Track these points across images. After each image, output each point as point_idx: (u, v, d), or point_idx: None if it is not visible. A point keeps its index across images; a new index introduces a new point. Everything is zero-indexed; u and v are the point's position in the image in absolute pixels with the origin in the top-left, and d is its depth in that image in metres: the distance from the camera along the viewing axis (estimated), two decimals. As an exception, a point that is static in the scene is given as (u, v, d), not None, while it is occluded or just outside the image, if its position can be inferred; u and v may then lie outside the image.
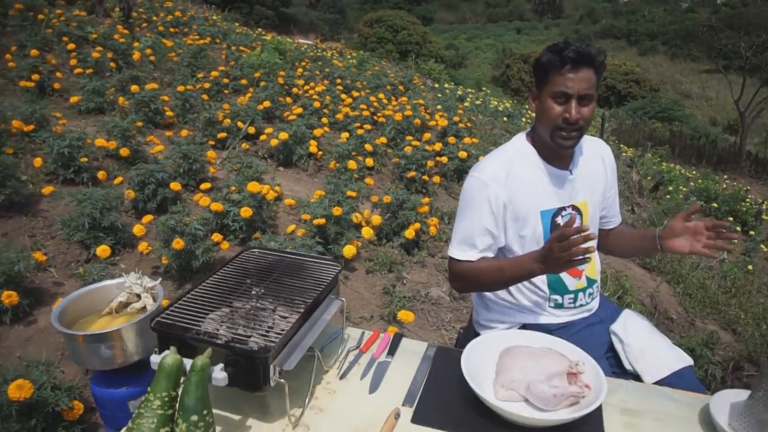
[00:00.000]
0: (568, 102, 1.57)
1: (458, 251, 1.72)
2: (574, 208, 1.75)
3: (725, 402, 1.40)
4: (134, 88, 5.39)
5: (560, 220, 1.72)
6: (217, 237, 3.34)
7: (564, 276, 1.75)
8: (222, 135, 5.19)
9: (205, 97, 6.05)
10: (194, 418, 1.08)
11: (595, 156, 1.83)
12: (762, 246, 9.43)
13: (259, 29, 14.27)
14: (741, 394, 1.37)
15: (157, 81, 6.18)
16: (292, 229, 3.69)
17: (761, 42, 16.14)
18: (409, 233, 3.79)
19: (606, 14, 50.33)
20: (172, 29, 8.81)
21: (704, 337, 4.55)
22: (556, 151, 1.69)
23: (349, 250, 3.46)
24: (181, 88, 5.71)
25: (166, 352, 1.14)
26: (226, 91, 6.66)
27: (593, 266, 1.82)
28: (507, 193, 1.66)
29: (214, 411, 1.31)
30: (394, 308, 3.16)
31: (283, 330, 1.24)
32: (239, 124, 5.36)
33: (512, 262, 1.66)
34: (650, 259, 5.49)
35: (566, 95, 1.57)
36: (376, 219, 3.85)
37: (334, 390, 1.43)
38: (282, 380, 1.22)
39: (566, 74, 1.55)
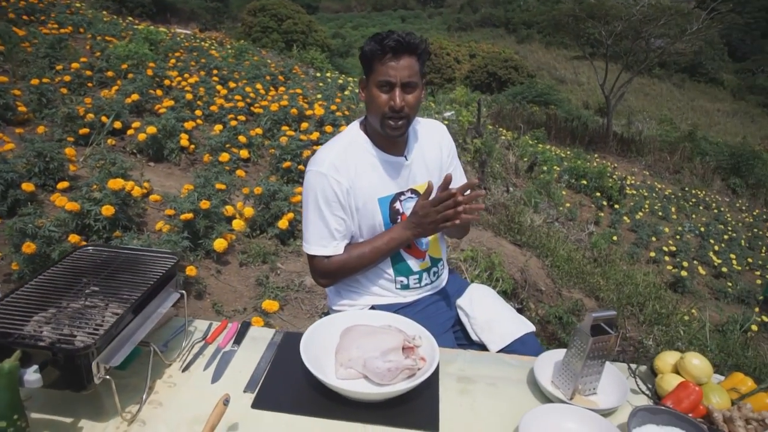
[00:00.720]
0: (393, 90, 1.61)
1: (320, 248, 1.72)
2: (413, 191, 1.80)
3: (549, 362, 1.54)
4: (-21, 81, 4.94)
5: (398, 206, 1.77)
6: (74, 238, 3.15)
7: (408, 258, 1.81)
8: (84, 131, 4.89)
9: (64, 90, 5.65)
10: (2, 424, 1.03)
11: (432, 139, 1.88)
12: (625, 218, 10.32)
13: (130, 18, 13.46)
14: (560, 353, 1.51)
15: (7, 74, 5.70)
16: (161, 225, 3.57)
17: (619, 31, 17.46)
18: (283, 223, 3.78)
19: (485, 4, 52.31)
20: (25, 17, 8.10)
21: (570, 305, 4.92)
22: (389, 139, 1.72)
23: (219, 244, 3.40)
24: (35, 82, 5.30)
25: (-29, 360, 1.08)
26: (90, 84, 6.25)
27: (437, 246, 1.90)
28: (348, 182, 1.68)
29: (44, 415, 1.27)
30: (268, 299, 3.15)
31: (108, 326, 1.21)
32: (103, 118, 5.07)
33: (384, 239, 1.72)
34: (520, 236, 5.83)
35: (390, 84, 1.60)
36: (249, 211, 3.81)
37: (175, 383, 1.41)
38: (108, 377, 1.19)
39: (388, 63, 1.59)
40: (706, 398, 1.41)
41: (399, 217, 1.77)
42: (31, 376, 1.09)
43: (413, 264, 1.83)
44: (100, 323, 1.23)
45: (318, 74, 11.36)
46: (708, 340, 4.65)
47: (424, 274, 1.85)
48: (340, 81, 10.65)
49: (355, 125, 1.80)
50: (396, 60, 1.58)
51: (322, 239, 1.71)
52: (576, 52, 32.79)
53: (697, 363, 1.48)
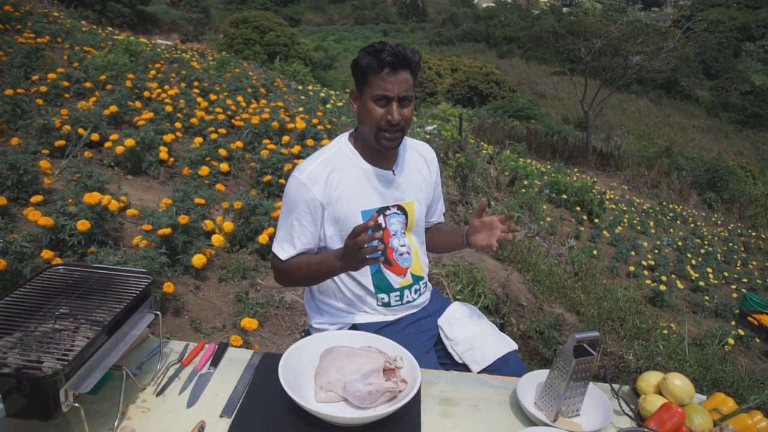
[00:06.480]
0: (389, 104, 1.60)
1: (279, 248, 1.74)
2: (400, 208, 1.79)
3: (531, 382, 1.52)
4: (-49, 92, 4.83)
5: (382, 221, 1.76)
6: (48, 254, 3.07)
7: (388, 274, 1.79)
8: (60, 143, 4.79)
9: (39, 101, 5.55)
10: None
11: (420, 158, 1.89)
12: (605, 232, 10.39)
13: (110, 28, 13.33)
14: (543, 374, 1.49)
15: (-19, 84, 5.59)
16: (138, 240, 3.50)
17: (598, 48, 17.76)
18: (263, 238, 3.73)
19: (466, 18, 52.86)
20: (0, 25, 7.97)
21: (551, 319, 4.92)
22: (380, 152, 1.72)
23: (198, 259, 3.34)
24: (9, 92, 5.19)
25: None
26: (67, 95, 6.16)
27: (419, 263, 1.87)
28: (326, 195, 1.67)
29: (9, 446, 1.21)
30: (247, 316, 3.10)
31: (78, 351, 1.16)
32: (80, 130, 4.98)
33: (318, 259, 1.71)
34: (502, 251, 5.83)
35: (387, 98, 1.60)
36: (228, 225, 3.75)
37: (149, 408, 1.37)
38: (77, 405, 1.14)
39: (386, 77, 1.58)
40: (688, 419, 1.40)
41: (382, 231, 1.75)
42: (-6, 405, 1.04)
43: (394, 281, 1.80)
44: (69, 348, 1.19)
45: (300, 87, 11.33)
46: (687, 355, 4.67)
47: (405, 292, 1.83)
48: (322, 94, 10.63)
49: (345, 137, 1.79)
50: (393, 75, 1.58)
51: (284, 242, 1.73)
52: (556, 67, 33.22)
53: (679, 383, 1.47)
